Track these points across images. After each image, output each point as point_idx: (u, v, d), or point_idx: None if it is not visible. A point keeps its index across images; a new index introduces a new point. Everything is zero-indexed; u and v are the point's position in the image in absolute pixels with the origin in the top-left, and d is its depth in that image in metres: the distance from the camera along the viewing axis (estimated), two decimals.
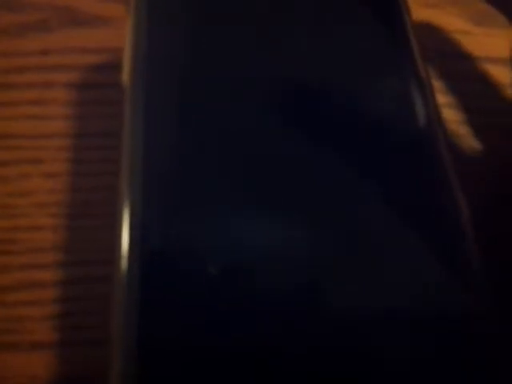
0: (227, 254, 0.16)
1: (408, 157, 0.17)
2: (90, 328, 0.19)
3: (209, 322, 0.15)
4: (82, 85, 0.23)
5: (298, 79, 0.18)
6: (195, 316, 0.15)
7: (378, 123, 0.18)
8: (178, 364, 0.14)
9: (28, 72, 0.24)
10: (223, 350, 0.14)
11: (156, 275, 0.15)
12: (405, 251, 0.16)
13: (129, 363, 0.14)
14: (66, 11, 0.25)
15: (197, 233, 0.16)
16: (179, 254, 0.15)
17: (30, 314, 0.19)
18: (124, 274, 0.15)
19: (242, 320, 0.15)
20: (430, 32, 0.25)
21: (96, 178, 0.22)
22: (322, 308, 0.15)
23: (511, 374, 0.14)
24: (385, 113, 0.18)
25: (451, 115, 0.24)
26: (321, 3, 0.20)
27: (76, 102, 0.23)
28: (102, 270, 0.20)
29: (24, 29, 0.25)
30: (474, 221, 0.17)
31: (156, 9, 0.20)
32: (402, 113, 0.18)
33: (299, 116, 0.18)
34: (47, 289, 0.20)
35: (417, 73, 0.19)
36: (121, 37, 0.25)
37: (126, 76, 0.18)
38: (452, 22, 0.26)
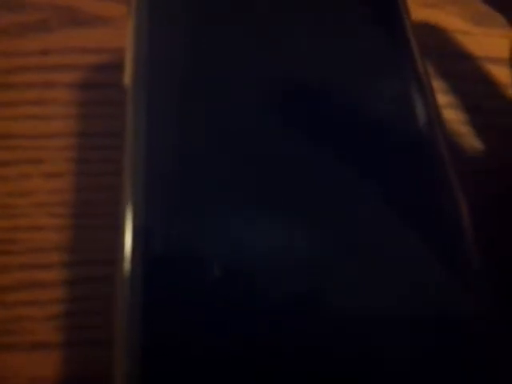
0: (230, 256, 0.16)
1: (408, 157, 0.17)
2: (90, 328, 0.19)
3: (212, 322, 0.15)
4: (82, 85, 0.23)
5: (298, 80, 0.18)
6: (199, 316, 0.15)
7: (377, 123, 0.18)
8: (181, 364, 0.14)
9: (28, 72, 0.24)
10: (226, 350, 0.14)
11: (159, 276, 0.15)
12: (405, 251, 0.16)
13: (132, 364, 0.14)
14: (66, 11, 0.25)
15: (200, 234, 0.16)
16: (182, 255, 0.15)
17: (30, 314, 0.19)
18: (127, 275, 0.15)
19: (245, 321, 0.15)
20: (430, 32, 0.25)
21: (96, 178, 0.22)
22: (323, 308, 0.15)
23: (511, 374, 0.14)
24: (385, 113, 0.18)
25: (451, 115, 0.24)
26: (321, 3, 0.20)
27: (76, 102, 0.23)
28: (103, 270, 0.20)
29: (24, 29, 0.25)
30: (474, 221, 0.17)
31: (158, 10, 0.20)
32: (402, 113, 0.18)
33: (301, 117, 0.18)
34: (47, 289, 0.20)
35: (417, 73, 0.19)
36: (121, 37, 0.25)
37: (127, 77, 0.18)
38: (452, 22, 0.26)
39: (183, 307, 0.15)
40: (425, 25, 0.26)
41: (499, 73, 0.25)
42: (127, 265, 0.15)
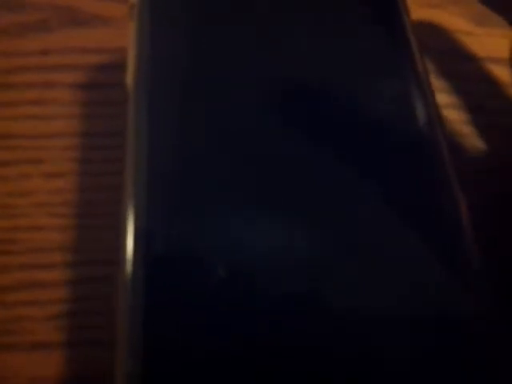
0: (233, 257, 0.16)
1: (408, 157, 0.17)
2: (91, 328, 0.19)
3: (214, 323, 0.15)
4: (82, 85, 0.23)
5: (298, 80, 0.18)
6: (200, 317, 0.15)
7: (377, 123, 0.18)
8: (182, 364, 0.14)
9: (28, 72, 0.24)
10: (228, 351, 0.14)
11: (161, 276, 0.15)
12: (405, 251, 0.16)
13: (134, 364, 0.14)
14: (66, 11, 0.25)
15: (202, 234, 0.16)
16: (184, 256, 0.15)
17: (30, 314, 0.19)
18: (129, 276, 0.15)
19: (247, 322, 0.15)
20: (432, 32, 0.25)
21: (97, 178, 0.22)
22: (324, 308, 0.15)
23: (511, 374, 0.14)
24: (385, 113, 0.18)
25: (454, 115, 0.24)
26: (321, 3, 0.20)
27: (76, 102, 0.23)
28: (103, 270, 0.20)
29: (24, 29, 0.25)
30: (475, 220, 0.16)
31: (159, 10, 0.20)
32: (402, 113, 0.18)
33: (302, 117, 0.18)
34: (47, 289, 0.20)
35: (416, 72, 0.19)
36: (121, 36, 0.25)
37: (129, 77, 0.19)
38: (454, 22, 0.26)
39: (185, 308, 0.15)
40: (427, 25, 0.26)
41: (502, 73, 0.25)
42: (129, 265, 0.15)
